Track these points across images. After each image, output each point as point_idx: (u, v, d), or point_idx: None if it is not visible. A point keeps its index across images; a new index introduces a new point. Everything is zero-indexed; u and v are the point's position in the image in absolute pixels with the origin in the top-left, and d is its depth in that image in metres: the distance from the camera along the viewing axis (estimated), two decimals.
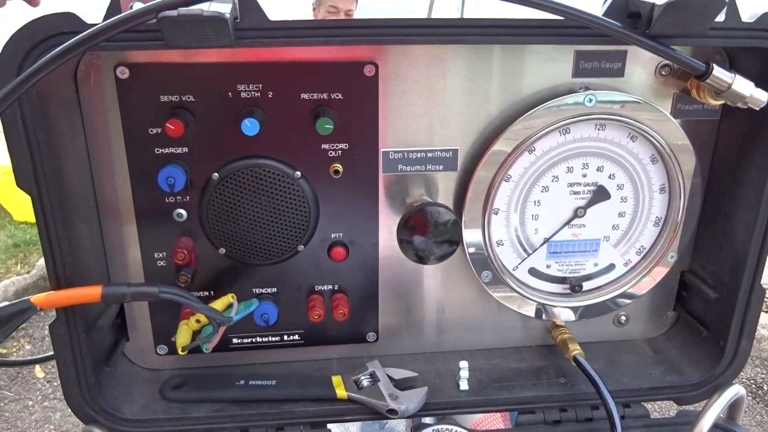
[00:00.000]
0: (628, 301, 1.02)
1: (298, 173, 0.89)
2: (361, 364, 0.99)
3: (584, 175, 0.94)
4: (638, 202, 0.96)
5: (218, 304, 0.88)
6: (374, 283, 0.99)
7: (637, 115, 0.89)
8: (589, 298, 1.01)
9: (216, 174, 0.88)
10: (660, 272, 1.00)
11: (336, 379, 0.95)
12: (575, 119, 0.89)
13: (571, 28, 0.76)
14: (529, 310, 1.02)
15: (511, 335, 1.06)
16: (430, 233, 0.87)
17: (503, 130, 0.90)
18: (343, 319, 0.96)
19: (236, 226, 0.90)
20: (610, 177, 0.94)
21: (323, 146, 0.89)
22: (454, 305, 1.03)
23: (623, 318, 1.06)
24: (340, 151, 0.90)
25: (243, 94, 0.85)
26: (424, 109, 0.89)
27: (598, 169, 0.94)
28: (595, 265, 1.00)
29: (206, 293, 0.96)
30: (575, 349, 0.97)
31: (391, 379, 0.95)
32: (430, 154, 0.92)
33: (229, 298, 0.89)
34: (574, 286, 0.99)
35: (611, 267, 1.01)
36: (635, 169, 0.94)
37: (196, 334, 0.89)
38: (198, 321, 0.88)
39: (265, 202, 0.89)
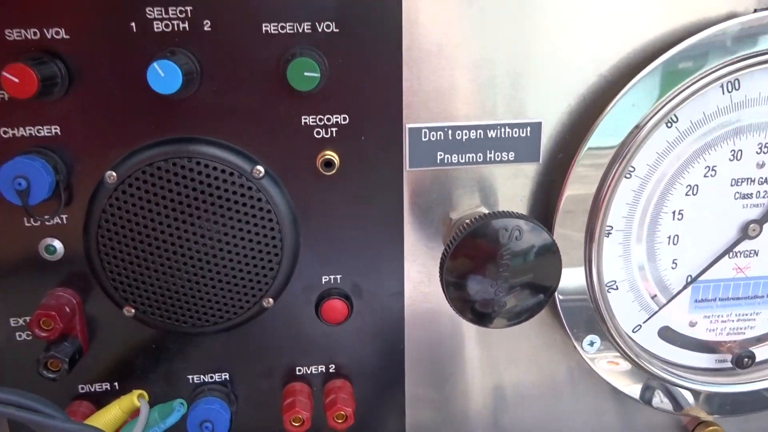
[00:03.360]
0: None
1: (260, 169, 0.50)
2: None
3: (761, 165, 0.54)
4: None
5: (107, 415, 0.47)
6: (398, 360, 0.58)
7: None
8: (763, 378, 0.60)
9: (112, 173, 0.49)
10: None
11: None
12: (749, 64, 0.50)
13: None
14: (656, 397, 0.60)
15: None
16: (502, 271, 0.47)
17: (621, 88, 0.51)
18: (345, 427, 0.55)
19: (152, 266, 0.51)
20: None
21: (304, 120, 0.50)
22: (526, 390, 0.61)
23: None
24: (333, 129, 0.51)
25: (157, 26, 0.47)
26: (482, 53, 0.50)
27: None
28: None
29: (104, 386, 0.55)
30: None
31: None
32: (492, 133, 0.53)
33: (132, 399, 0.48)
34: (742, 357, 0.58)
35: None
36: None
37: None
38: None
39: (201, 221, 0.50)
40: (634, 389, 0.60)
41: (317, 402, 0.56)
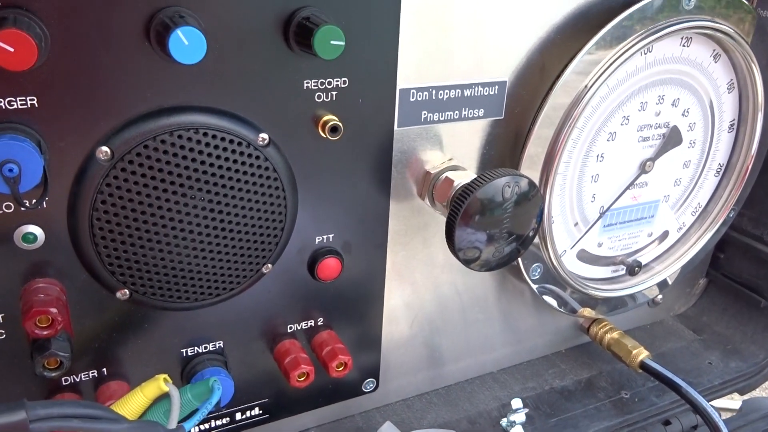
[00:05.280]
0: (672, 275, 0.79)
1: (265, 136, 0.49)
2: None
3: (657, 114, 0.67)
4: (705, 146, 0.72)
5: (131, 403, 0.45)
6: (378, 307, 0.62)
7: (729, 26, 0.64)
8: (643, 282, 0.76)
9: (105, 149, 0.44)
10: (708, 235, 0.78)
11: None
12: (666, 32, 0.60)
13: None
14: (562, 305, 0.73)
15: (538, 342, 0.78)
16: (505, 221, 0.53)
17: (569, 52, 0.58)
18: (345, 373, 0.58)
19: (153, 246, 0.47)
20: (684, 114, 0.68)
21: (306, 84, 0.49)
22: (477, 315, 0.70)
23: (659, 297, 0.83)
24: (334, 93, 0.51)
25: None
26: (470, 11, 0.54)
27: (674, 104, 0.67)
28: (649, 235, 0.75)
29: (91, 374, 0.51)
30: (641, 353, 0.72)
31: None
32: (468, 92, 0.57)
33: (158, 384, 0.46)
34: (633, 266, 0.73)
35: (664, 235, 0.76)
36: (710, 101, 0.69)
37: None
38: None
39: (208, 195, 0.47)
40: (553, 302, 0.72)
41: (310, 356, 0.58)
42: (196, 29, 0.40)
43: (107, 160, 0.44)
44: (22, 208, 0.43)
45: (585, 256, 0.72)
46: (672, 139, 0.69)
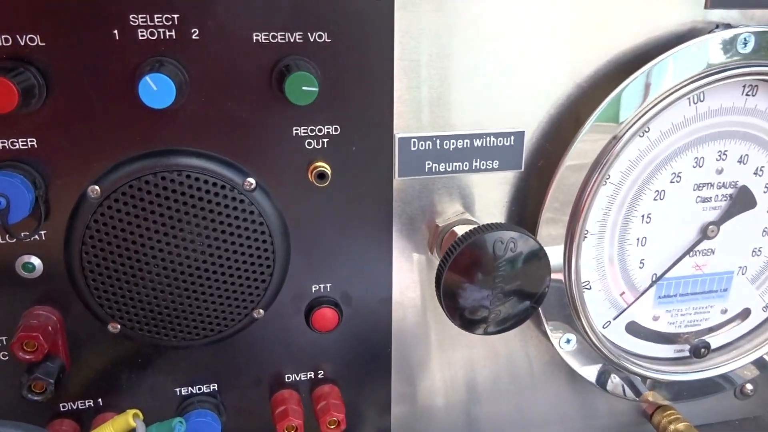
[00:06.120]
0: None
1: (251, 181, 0.49)
2: None
3: (719, 171, 0.58)
4: None
5: None
6: (385, 367, 0.59)
7: None
8: (715, 366, 0.65)
9: (96, 187, 0.47)
10: None
11: None
12: (715, 78, 0.53)
13: None
14: (619, 386, 0.65)
15: (590, 424, 0.69)
16: (498, 279, 0.49)
17: (597, 97, 0.53)
18: (338, 431, 0.56)
19: (140, 282, 0.49)
20: (757, 173, 0.59)
21: (295, 130, 0.50)
22: (502, 385, 0.64)
23: (749, 387, 0.70)
24: (325, 140, 0.50)
25: (142, 33, 0.45)
26: (473, 62, 0.51)
27: (741, 161, 0.58)
28: (723, 312, 0.65)
29: (87, 403, 0.53)
30: None
31: None
32: (478, 142, 0.54)
33: (127, 419, 0.47)
34: (699, 347, 0.63)
35: (746, 313, 0.65)
36: None
37: None
38: None
39: (191, 235, 0.49)
40: (601, 380, 0.63)
41: (306, 407, 0.57)
42: (164, 75, 0.43)
43: (96, 198, 0.47)
44: (11, 239, 0.47)
45: (638, 330, 0.63)
46: (741, 201, 0.59)
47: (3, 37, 0.43)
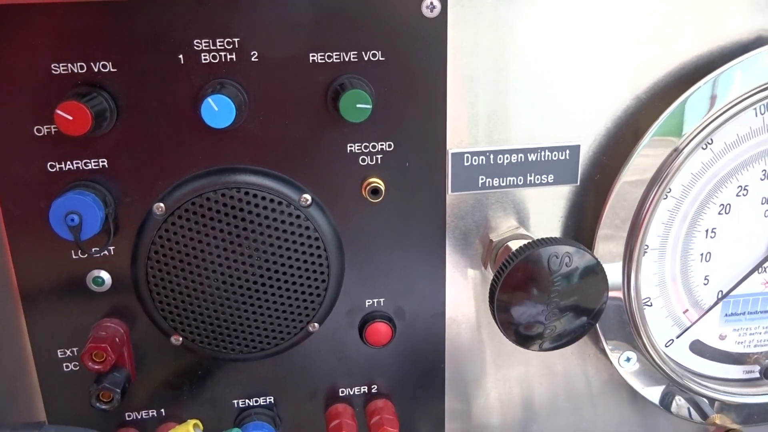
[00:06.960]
0: None
1: (307, 197, 0.50)
2: None
3: None
4: None
5: None
6: (439, 378, 0.59)
7: None
8: None
9: (161, 204, 0.49)
10: None
11: None
12: None
13: None
14: (684, 408, 0.62)
15: None
16: (552, 297, 0.48)
17: (656, 110, 0.52)
18: None
19: (200, 296, 0.51)
20: None
21: (350, 147, 0.51)
22: (559, 402, 0.63)
23: None
24: (379, 156, 0.51)
25: (205, 57, 0.47)
26: (528, 76, 0.51)
27: None
28: None
29: (150, 413, 0.55)
30: None
31: None
32: (533, 157, 0.53)
33: (188, 429, 0.48)
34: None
35: None
36: None
37: None
38: None
39: (249, 250, 0.50)
40: (665, 401, 0.61)
41: (360, 421, 0.57)
42: (225, 96, 0.44)
43: (162, 215, 0.49)
44: (83, 255, 0.49)
45: (703, 350, 0.61)
46: None
47: (78, 64, 0.46)
